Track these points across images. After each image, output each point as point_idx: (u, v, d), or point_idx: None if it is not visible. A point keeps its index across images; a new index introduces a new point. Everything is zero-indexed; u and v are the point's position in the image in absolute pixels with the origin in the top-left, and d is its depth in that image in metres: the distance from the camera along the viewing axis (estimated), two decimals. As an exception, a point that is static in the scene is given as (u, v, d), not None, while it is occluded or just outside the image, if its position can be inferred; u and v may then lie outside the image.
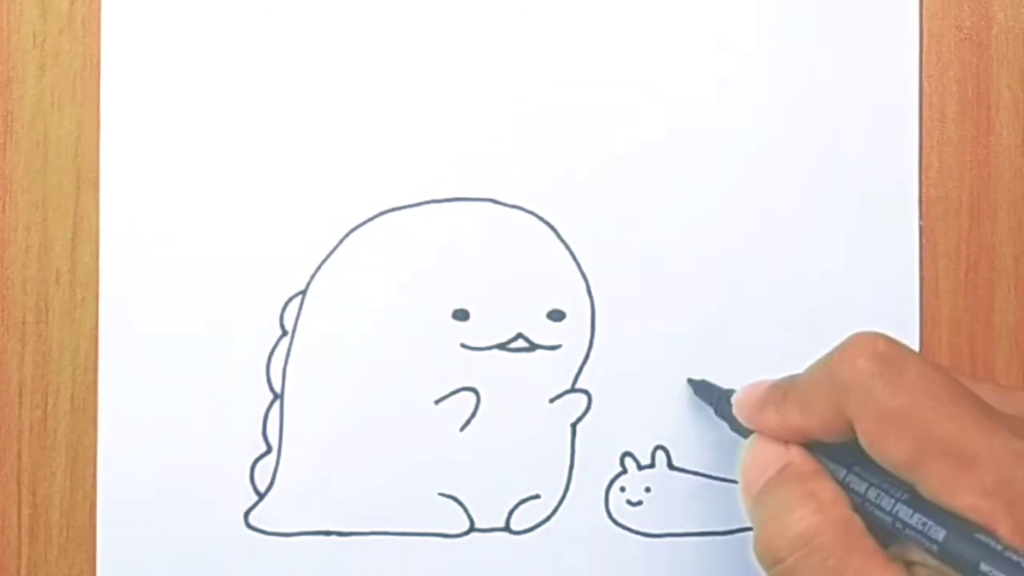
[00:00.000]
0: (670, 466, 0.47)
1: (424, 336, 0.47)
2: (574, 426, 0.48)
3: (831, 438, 0.37)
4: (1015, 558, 0.31)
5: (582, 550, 0.47)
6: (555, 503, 0.47)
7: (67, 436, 0.47)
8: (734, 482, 0.40)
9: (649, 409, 0.48)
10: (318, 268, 0.47)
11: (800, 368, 0.39)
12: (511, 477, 0.47)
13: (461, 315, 0.47)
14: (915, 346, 0.48)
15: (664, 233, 0.48)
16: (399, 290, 0.47)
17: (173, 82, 0.47)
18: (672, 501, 0.48)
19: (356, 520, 0.47)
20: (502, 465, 0.47)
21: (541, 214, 0.48)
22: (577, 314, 0.48)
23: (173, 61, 0.47)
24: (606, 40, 0.48)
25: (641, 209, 0.48)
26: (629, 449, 0.47)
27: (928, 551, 0.33)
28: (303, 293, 0.47)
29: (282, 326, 0.47)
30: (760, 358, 0.47)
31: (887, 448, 0.34)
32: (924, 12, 0.48)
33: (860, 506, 0.36)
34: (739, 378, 0.43)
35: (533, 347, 0.47)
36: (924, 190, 0.48)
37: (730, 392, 0.43)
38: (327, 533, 0.47)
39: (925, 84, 0.48)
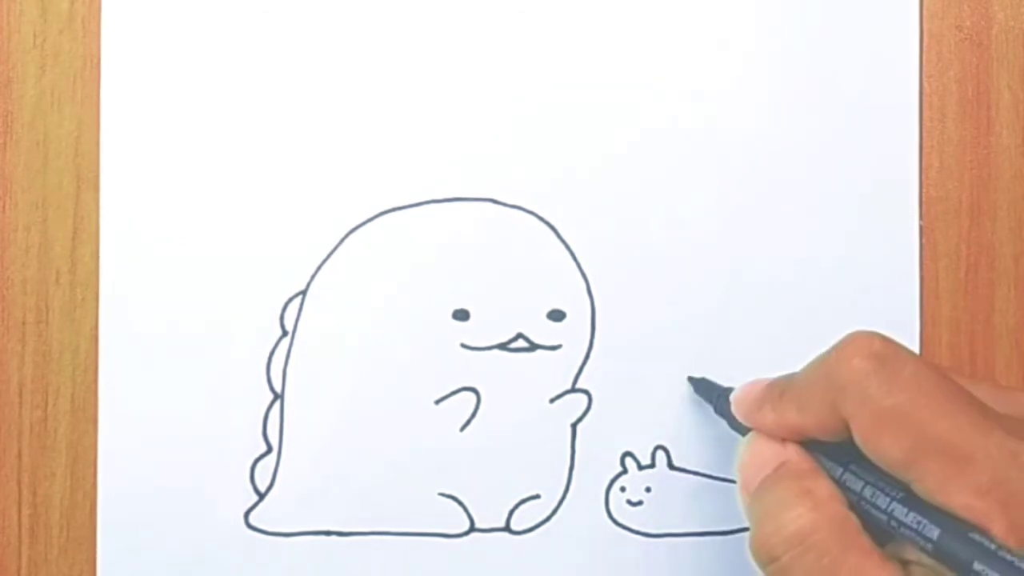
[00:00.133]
0: (670, 466, 0.47)
1: (424, 336, 0.47)
2: (574, 426, 0.47)
3: (827, 437, 0.37)
4: (1009, 557, 0.31)
5: (582, 550, 0.47)
6: (555, 503, 0.47)
7: (67, 436, 0.47)
8: (735, 482, 0.40)
9: (649, 409, 0.48)
10: (318, 268, 0.47)
11: (800, 367, 0.39)
12: (511, 477, 0.47)
13: (461, 315, 0.47)
14: (915, 346, 0.48)
15: (664, 233, 0.48)
16: (399, 290, 0.47)
17: (173, 82, 0.47)
18: (672, 501, 0.48)
19: (356, 520, 0.47)
20: (502, 465, 0.47)
21: (541, 214, 0.48)
22: (577, 314, 0.48)
23: (173, 61, 0.47)
24: (606, 40, 0.48)
25: (641, 209, 0.48)
26: (629, 449, 0.47)
27: (923, 550, 0.33)
28: (303, 293, 0.47)
29: (282, 326, 0.47)
30: (760, 358, 0.47)
31: (882, 447, 0.34)
32: (924, 12, 0.48)
33: (856, 505, 0.36)
34: (739, 377, 0.43)
35: (533, 347, 0.47)
36: (924, 190, 0.48)
37: (729, 390, 0.43)
38: (327, 533, 0.47)
39: (925, 84, 0.48)
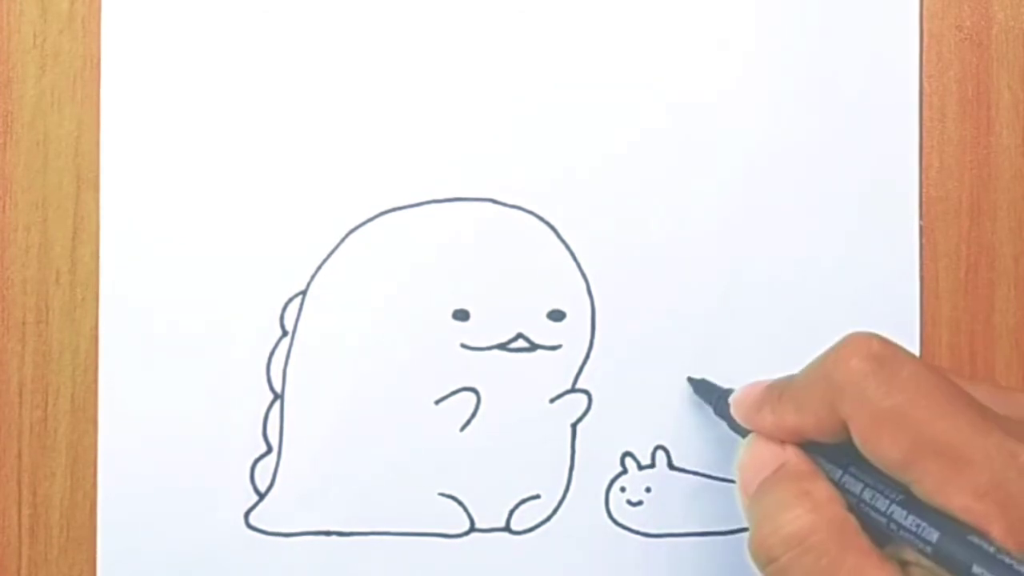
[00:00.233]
0: (670, 466, 0.47)
1: (424, 336, 0.47)
2: (574, 426, 0.47)
3: (826, 438, 0.37)
4: (1007, 560, 0.31)
5: (582, 550, 0.47)
6: (555, 503, 0.47)
7: (67, 436, 0.47)
8: (735, 482, 0.40)
9: (649, 409, 0.48)
10: (318, 268, 0.47)
11: (800, 368, 0.39)
12: (511, 477, 0.47)
13: (461, 315, 0.47)
14: (915, 346, 0.48)
15: (664, 233, 0.48)
16: (399, 290, 0.47)
17: (173, 82, 0.47)
18: (672, 501, 0.48)
19: (356, 520, 0.47)
20: (502, 465, 0.47)
21: (541, 214, 0.48)
22: (577, 314, 0.48)
23: (173, 61, 0.47)
24: (606, 40, 0.48)
25: (641, 209, 0.48)
26: (629, 449, 0.47)
27: (922, 552, 0.33)
28: (303, 293, 0.47)
29: (282, 326, 0.47)
30: (760, 358, 0.47)
31: (881, 448, 0.34)
32: (924, 12, 0.48)
33: (855, 507, 0.36)
34: (739, 378, 0.43)
35: (533, 347, 0.47)
36: (924, 190, 0.48)
37: (729, 392, 0.43)
38: (327, 533, 0.47)
39: (925, 84, 0.48)
